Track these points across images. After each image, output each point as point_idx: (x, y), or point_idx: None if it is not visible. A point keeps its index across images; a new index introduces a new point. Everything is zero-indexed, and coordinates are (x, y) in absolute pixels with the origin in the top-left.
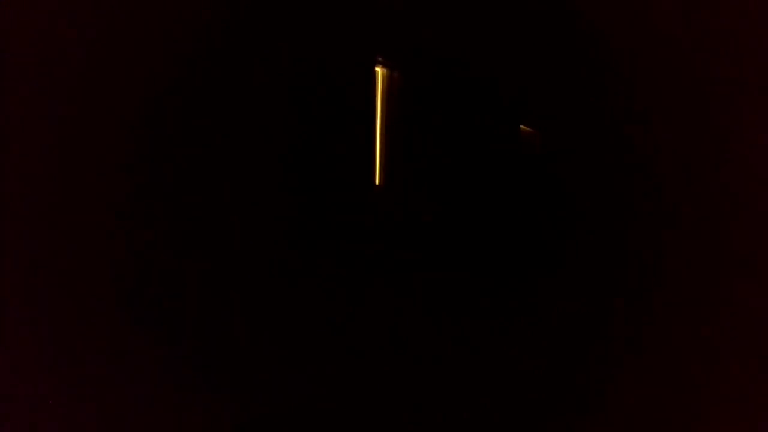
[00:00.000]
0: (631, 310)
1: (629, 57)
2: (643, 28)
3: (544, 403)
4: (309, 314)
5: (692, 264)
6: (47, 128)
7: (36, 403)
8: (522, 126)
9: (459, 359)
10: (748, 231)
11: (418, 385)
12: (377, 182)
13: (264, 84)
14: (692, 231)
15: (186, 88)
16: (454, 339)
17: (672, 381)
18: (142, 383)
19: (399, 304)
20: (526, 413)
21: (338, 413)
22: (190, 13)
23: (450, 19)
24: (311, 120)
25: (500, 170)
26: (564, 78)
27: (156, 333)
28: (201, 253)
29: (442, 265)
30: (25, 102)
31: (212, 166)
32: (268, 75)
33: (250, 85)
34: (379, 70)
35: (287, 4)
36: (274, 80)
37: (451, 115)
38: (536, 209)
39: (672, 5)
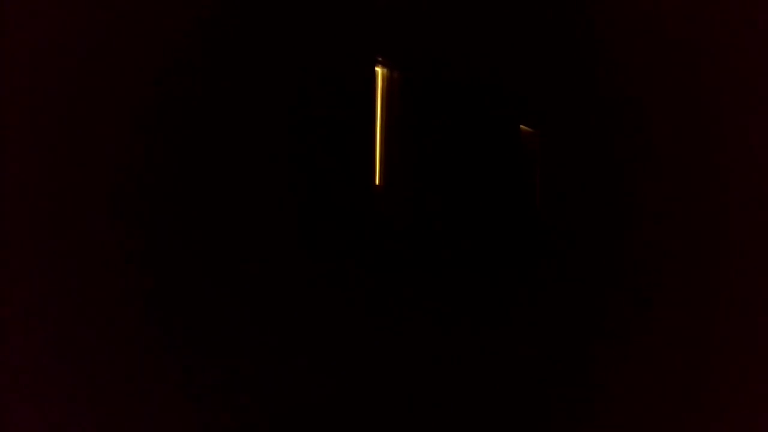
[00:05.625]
0: (629, 307)
1: (628, 57)
2: (643, 29)
3: (543, 399)
4: (310, 312)
5: (691, 263)
6: (47, 128)
7: (36, 403)
8: (522, 126)
9: (458, 356)
10: (747, 230)
11: (419, 382)
12: (377, 182)
13: (265, 84)
14: (690, 230)
15: (187, 89)
16: (453, 336)
17: (671, 379)
18: (142, 383)
19: (399, 302)
20: (525, 408)
21: (339, 410)
22: (193, 14)
23: (450, 20)
24: (312, 120)
25: (499, 170)
26: (563, 78)
27: (157, 333)
28: (203, 253)
29: (442, 264)
30: (25, 102)
31: (213, 166)
32: (268, 75)
33: (251, 86)
34: (379, 70)
35: (288, 5)
36: (274, 80)
37: (451, 115)
38: (535, 208)
39: (673, 7)
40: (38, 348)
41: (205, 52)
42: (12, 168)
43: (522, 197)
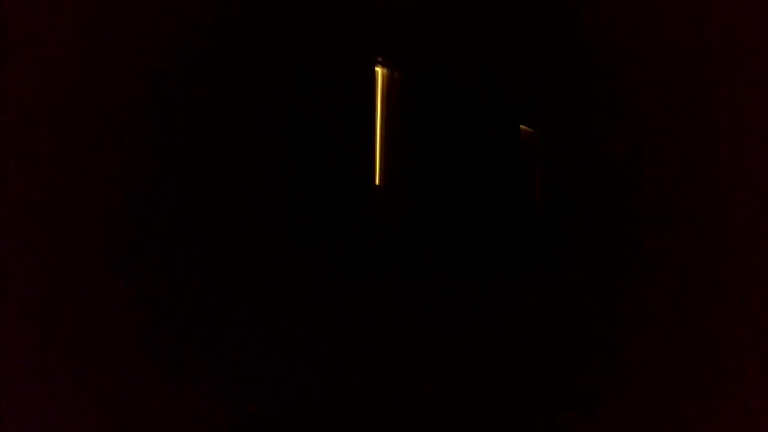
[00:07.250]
0: (630, 308)
1: (629, 57)
2: (643, 29)
3: (543, 399)
4: (309, 312)
5: (692, 263)
6: (48, 128)
7: (36, 403)
8: (522, 126)
9: (458, 356)
10: (749, 230)
11: (418, 382)
12: (377, 182)
13: (264, 84)
14: (691, 230)
15: (187, 88)
16: (453, 336)
17: (670, 378)
18: (142, 382)
19: (398, 302)
20: (525, 408)
21: (338, 411)
22: (192, 14)
23: (450, 20)
24: (311, 120)
25: (499, 170)
26: (563, 78)
27: (156, 333)
28: (201, 252)
29: (441, 264)
30: (26, 102)
31: (212, 166)
32: (268, 75)
33: (251, 86)
34: (379, 70)
35: (288, 5)
36: (274, 80)
37: (451, 115)
38: (535, 208)
39: (673, 7)
40: (38, 348)
41: (204, 52)
42: (12, 168)
43: (522, 197)
